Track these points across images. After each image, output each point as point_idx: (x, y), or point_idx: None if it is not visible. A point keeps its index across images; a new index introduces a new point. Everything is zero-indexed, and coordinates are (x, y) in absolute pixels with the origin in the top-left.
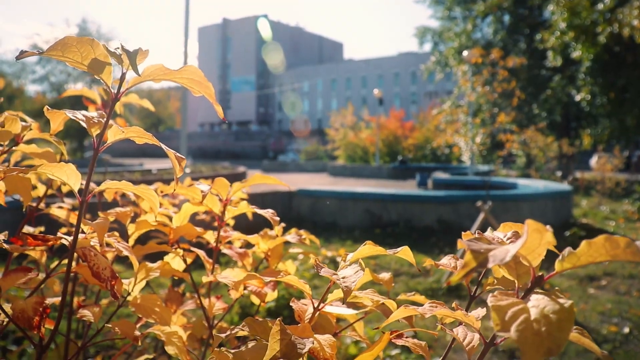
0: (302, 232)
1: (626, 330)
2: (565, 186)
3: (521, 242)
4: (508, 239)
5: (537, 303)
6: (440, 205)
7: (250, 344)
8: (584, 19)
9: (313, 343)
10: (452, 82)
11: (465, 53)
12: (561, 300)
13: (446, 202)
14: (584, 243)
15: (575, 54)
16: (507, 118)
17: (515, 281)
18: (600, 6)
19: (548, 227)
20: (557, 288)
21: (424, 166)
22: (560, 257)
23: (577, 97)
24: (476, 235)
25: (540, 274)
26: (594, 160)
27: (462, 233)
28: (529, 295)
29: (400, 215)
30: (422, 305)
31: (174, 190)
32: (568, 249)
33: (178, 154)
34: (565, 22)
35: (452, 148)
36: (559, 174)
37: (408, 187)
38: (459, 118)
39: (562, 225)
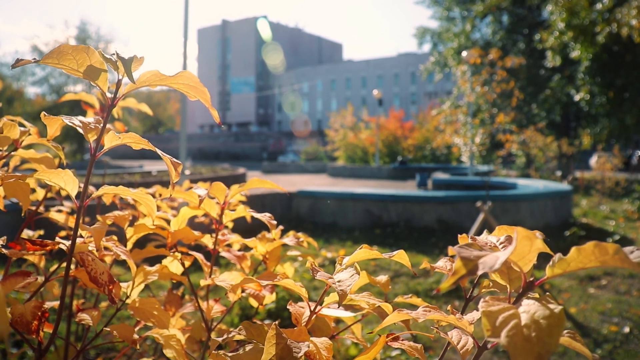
0: (300, 234)
1: (626, 329)
2: (564, 186)
3: (510, 249)
4: (501, 243)
5: (528, 308)
6: (440, 205)
7: (248, 347)
8: (583, 19)
9: (309, 347)
10: (452, 83)
11: (464, 53)
12: (551, 306)
13: (446, 202)
14: (573, 249)
15: (574, 53)
16: (506, 118)
17: (508, 286)
18: (598, 6)
19: (538, 234)
20: (547, 294)
21: (424, 166)
22: (550, 262)
23: (577, 97)
24: (470, 240)
25: (531, 279)
26: (593, 160)
27: (459, 236)
28: (521, 300)
29: (400, 215)
30: (419, 307)
31: (170, 194)
32: (558, 255)
33: (174, 159)
34: (564, 22)
35: (452, 148)
36: (558, 173)
37: (408, 188)
38: (458, 118)
39: (562, 225)
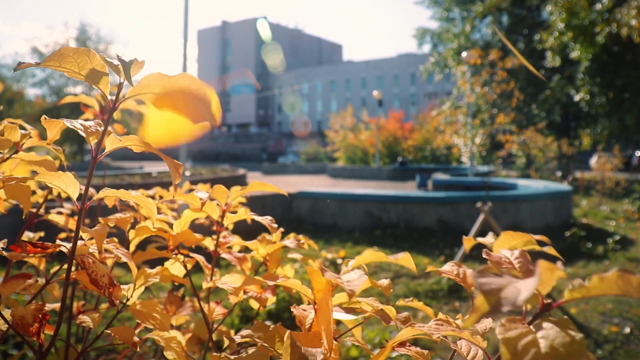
0: (300, 236)
1: (627, 330)
2: (565, 186)
3: (534, 283)
4: (516, 258)
5: (547, 334)
6: (440, 206)
7: (250, 350)
8: (583, 19)
9: (323, 354)
10: (452, 83)
11: (464, 54)
12: (572, 333)
13: (446, 203)
14: (595, 278)
15: (574, 54)
16: (506, 119)
17: (523, 305)
18: (598, 6)
19: (559, 264)
20: (565, 317)
21: (424, 167)
22: (570, 286)
23: (576, 97)
24: (475, 241)
25: (548, 301)
26: (593, 160)
27: (464, 237)
28: (537, 321)
29: (401, 216)
30: (419, 310)
31: (173, 196)
32: (579, 281)
33: (176, 161)
34: (563, 23)
35: (452, 149)
36: (558, 174)
37: (408, 189)
38: (458, 119)
39: (562, 225)
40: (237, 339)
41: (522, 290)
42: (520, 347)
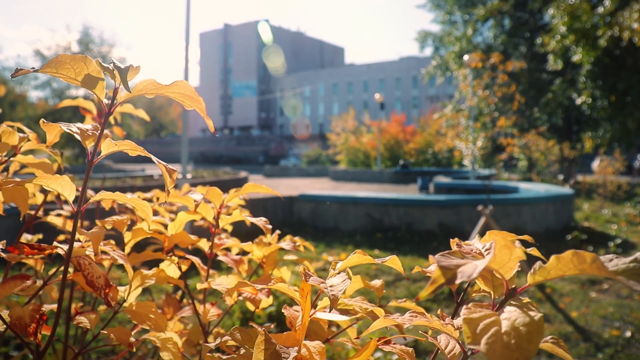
0: (296, 238)
1: (628, 334)
2: (566, 190)
3: (489, 258)
4: (486, 250)
5: (509, 315)
6: (441, 209)
7: (242, 351)
8: (584, 23)
9: (298, 352)
10: (453, 86)
11: (465, 57)
12: (532, 313)
13: (447, 206)
14: (553, 258)
15: (576, 57)
16: (507, 122)
17: (492, 292)
18: (600, 10)
19: (517, 243)
20: (529, 301)
21: (426, 170)
22: (532, 270)
23: (578, 101)
24: (455, 247)
25: (513, 286)
26: (595, 164)
27: (451, 240)
28: (503, 306)
29: (402, 219)
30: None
31: (165, 200)
32: (539, 263)
33: (169, 166)
34: (565, 26)
35: (453, 152)
36: (560, 177)
37: (409, 192)
38: (459, 122)
39: (563, 229)
40: (216, 342)
41: (478, 265)
42: (481, 327)
